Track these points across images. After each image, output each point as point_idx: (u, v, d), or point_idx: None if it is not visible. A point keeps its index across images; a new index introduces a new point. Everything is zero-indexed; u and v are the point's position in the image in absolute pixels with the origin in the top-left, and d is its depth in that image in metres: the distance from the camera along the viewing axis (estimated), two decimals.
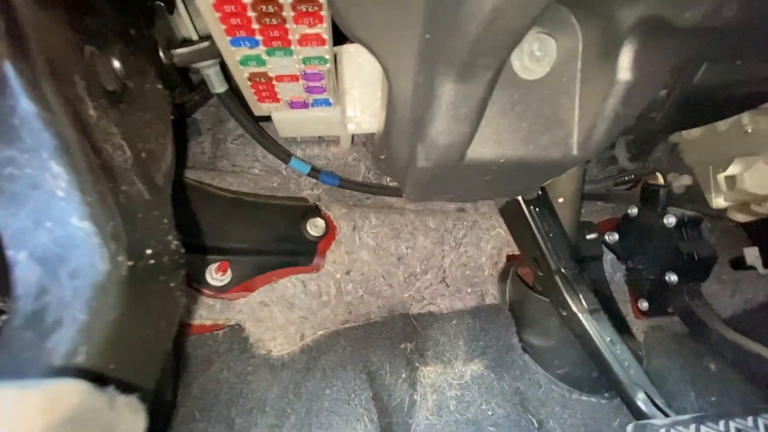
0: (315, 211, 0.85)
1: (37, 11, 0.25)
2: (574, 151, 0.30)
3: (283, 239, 0.81)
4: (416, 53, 0.24)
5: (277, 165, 0.92)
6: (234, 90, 0.67)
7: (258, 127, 0.77)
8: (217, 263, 0.74)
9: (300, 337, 0.78)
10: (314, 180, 0.87)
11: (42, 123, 0.20)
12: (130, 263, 0.21)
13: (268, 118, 0.65)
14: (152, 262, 0.23)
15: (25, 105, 0.20)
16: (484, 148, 0.29)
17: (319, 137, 0.91)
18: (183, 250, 0.29)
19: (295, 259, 0.83)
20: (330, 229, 0.84)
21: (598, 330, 0.65)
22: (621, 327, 0.98)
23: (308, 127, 0.64)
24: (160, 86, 0.41)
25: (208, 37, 0.60)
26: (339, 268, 0.85)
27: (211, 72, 0.66)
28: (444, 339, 0.88)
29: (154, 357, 0.26)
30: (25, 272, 0.19)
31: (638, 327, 1.01)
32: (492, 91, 0.25)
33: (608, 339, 0.66)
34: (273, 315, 0.77)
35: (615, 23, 0.24)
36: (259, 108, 0.59)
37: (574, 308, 0.66)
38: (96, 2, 0.36)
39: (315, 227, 0.84)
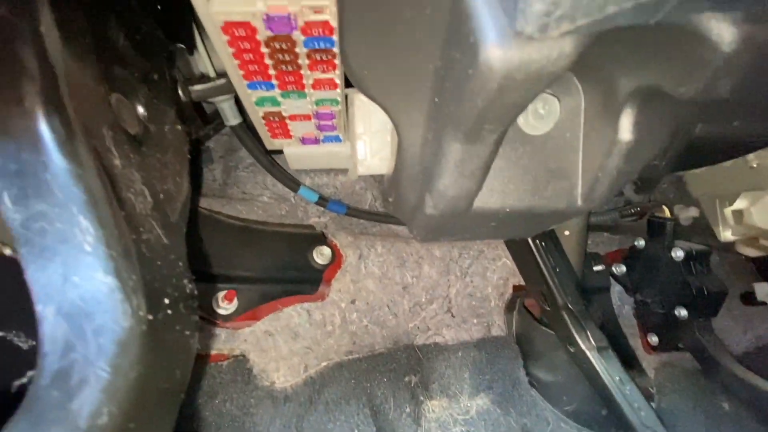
0: (321, 239, 0.86)
1: (70, 62, 0.26)
2: (579, 202, 0.31)
3: (290, 267, 0.81)
4: (425, 113, 0.25)
5: (285, 193, 0.94)
6: (246, 121, 0.70)
7: (269, 157, 0.79)
8: (224, 291, 0.74)
9: (303, 368, 0.77)
10: (321, 208, 0.89)
11: (73, 178, 0.21)
12: (150, 317, 0.22)
13: (279, 152, 0.67)
14: (169, 312, 0.24)
15: (58, 161, 0.21)
16: (490, 198, 0.30)
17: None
18: (196, 293, 0.29)
19: (301, 287, 0.83)
20: (336, 258, 0.84)
21: (606, 368, 0.64)
22: (631, 362, 0.96)
23: (318, 160, 0.66)
24: (179, 127, 0.43)
25: (224, 74, 0.62)
26: (344, 297, 0.85)
27: (225, 106, 0.68)
28: (449, 372, 0.87)
29: (170, 410, 0.26)
30: (52, 328, 0.20)
31: (649, 362, 0.98)
32: (498, 150, 0.26)
33: (617, 378, 0.64)
34: (277, 345, 0.77)
35: (615, 88, 0.26)
36: (272, 143, 0.61)
37: (582, 345, 0.66)
38: (124, 50, 0.38)
39: (321, 255, 0.85)
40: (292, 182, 0.85)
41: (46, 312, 0.20)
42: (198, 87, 0.62)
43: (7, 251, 0.27)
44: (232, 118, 0.70)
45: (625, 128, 0.26)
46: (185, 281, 0.28)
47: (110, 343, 0.20)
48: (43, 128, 0.22)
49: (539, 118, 0.29)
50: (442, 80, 0.22)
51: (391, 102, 0.28)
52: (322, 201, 0.87)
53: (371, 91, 0.29)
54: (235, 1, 0.34)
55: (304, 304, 0.81)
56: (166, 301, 0.24)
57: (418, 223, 0.34)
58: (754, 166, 0.91)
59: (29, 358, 0.38)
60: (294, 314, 0.80)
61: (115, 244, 0.21)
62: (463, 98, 0.20)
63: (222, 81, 0.63)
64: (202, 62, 0.62)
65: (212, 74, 0.64)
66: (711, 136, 0.33)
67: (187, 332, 0.26)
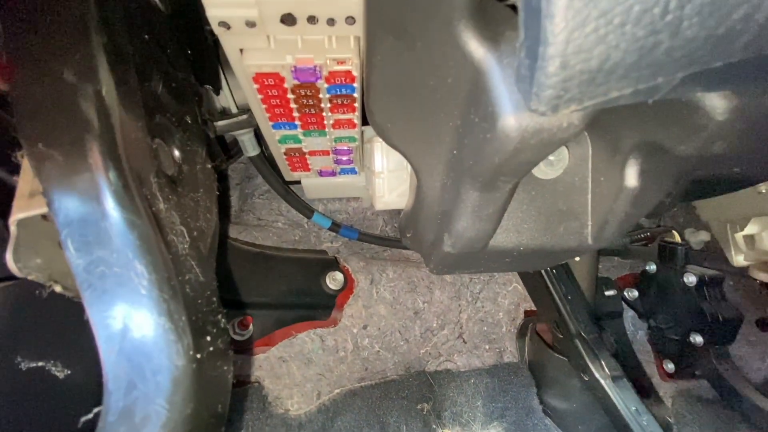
0: (334, 265, 0.88)
1: (125, 118, 0.29)
2: (589, 241, 0.32)
3: (303, 293, 0.83)
4: (444, 162, 0.27)
5: (299, 219, 0.96)
6: (263, 151, 0.73)
7: (285, 186, 0.82)
8: (240, 318, 0.76)
9: (317, 395, 0.78)
10: (334, 233, 0.91)
11: (128, 226, 0.23)
12: (198, 356, 0.24)
13: (295, 182, 0.70)
14: (211, 349, 0.26)
15: (116, 211, 0.24)
16: (505, 238, 0.32)
17: None
18: (228, 327, 0.31)
19: (314, 312, 0.84)
20: (348, 283, 0.86)
21: (622, 398, 0.63)
22: (647, 390, 0.94)
23: (334, 190, 0.69)
24: (209, 165, 0.46)
25: (245, 110, 0.66)
26: (356, 323, 0.86)
27: (245, 138, 0.72)
28: (462, 399, 0.86)
29: None
30: (115, 368, 0.22)
31: (665, 390, 0.96)
32: (512, 196, 0.28)
33: (633, 408, 0.64)
34: (291, 371, 0.77)
35: (620, 141, 0.28)
36: (291, 175, 0.64)
37: (596, 374, 0.65)
38: (163, 98, 0.41)
39: (334, 281, 0.86)
40: (306, 209, 0.88)
41: (109, 352, 0.22)
42: (222, 123, 0.66)
43: (58, 288, 0.29)
44: (252, 150, 0.74)
45: (631, 176, 0.27)
46: (219, 316, 0.30)
47: (167, 381, 0.22)
48: (103, 181, 0.25)
49: (550, 164, 0.31)
50: (461, 137, 0.24)
51: (412, 151, 0.30)
52: (335, 227, 0.89)
53: (393, 141, 0.31)
54: (266, 55, 0.37)
55: (317, 329, 0.82)
56: (208, 338, 0.26)
57: (435, 258, 0.35)
58: (763, 191, 0.91)
59: (64, 387, 0.40)
60: (307, 340, 0.81)
61: (166, 287, 0.23)
62: (481, 155, 0.22)
63: (244, 116, 0.66)
64: (224, 99, 0.66)
65: (234, 110, 0.67)
66: (715, 174, 0.34)
67: (225, 367, 0.28)
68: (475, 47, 0.20)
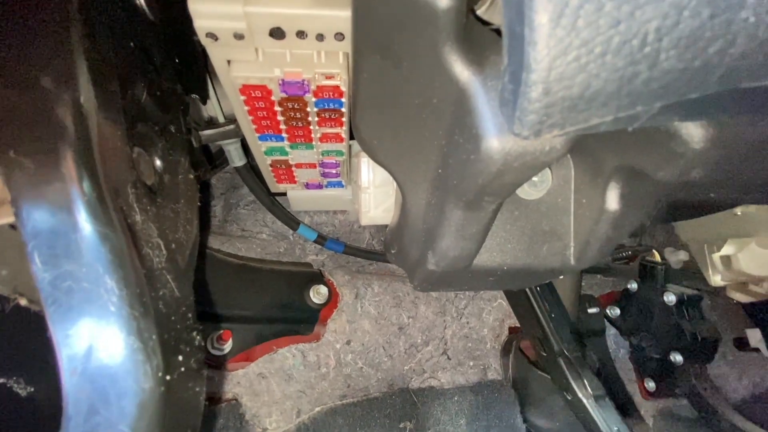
0: (318, 278, 0.86)
1: (103, 126, 0.28)
2: (572, 262, 0.33)
3: (286, 306, 0.81)
4: (429, 180, 0.27)
5: (284, 230, 0.95)
6: (249, 162, 0.72)
7: (271, 197, 0.81)
8: (219, 332, 0.74)
9: (296, 413, 0.76)
10: (320, 246, 0.90)
11: (101, 239, 0.22)
12: (168, 377, 0.22)
13: (281, 193, 0.69)
14: (183, 369, 0.24)
15: (88, 223, 0.23)
16: (489, 257, 0.32)
17: None
18: (203, 344, 0.30)
19: (297, 327, 0.83)
20: (332, 297, 0.84)
21: (604, 418, 0.63)
22: (628, 409, 0.95)
23: (320, 203, 0.68)
24: (191, 176, 0.45)
25: (232, 120, 0.65)
26: (339, 338, 0.84)
27: (232, 148, 0.71)
28: (445, 418, 0.85)
29: None
30: (76, 390, 0.20)
31: (647, 409, 0.97)
32: (496, 215, 0.28)
33: (615, 429, 0.64)
34: (270, 388, 0.75)
35: (601, 164, 0.28)
36: (276, 187, 0.63)
37: (579, 393, 0.65)
38: (146, 106, 0.41)
39: (318, 294, 0.85)
40: (292, 221, 0.87)
41: (70, 374, 0.20)
42: (207, 132, 0.65)
43: (23, 302, 0.27)
44: (238, 160, 0.73)
45: (612, 199, 0.28)
46: (194, 333, 0.29)
47: (132, 406, 0.20)
48: (76, 191, 0.24)
49: (533, 185, 0.32)
50: (446, 157, 0.24)
51: (398, 168, 0.30)
52: (321, 239, 0.88)
53: (379, 158, 0.31)
54: (254, 67, 0.37)
55: (299, 344, 0.81)
56: (180, 358, 0.25)
57: (419, 275, 0.35)
58: (738, 213, 0.94)
59: (27, 405, 0.38)
60: (288, 355, 0.79)
61: (137, 304, 0.22)
62: (465, 175, 0.22)
63: (230, 127, 0.65)
64: (211, 108, 0.65)
65: (221, 119, 0.66)
66: (692, 198, 0.35)
67: (197, 389, 0.26)
68: (460, 70, 0.20)
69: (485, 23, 0.23)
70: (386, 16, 0.22)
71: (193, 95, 0.58)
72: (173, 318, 0.25)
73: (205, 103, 0.60)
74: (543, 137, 0.17)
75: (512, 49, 0.15)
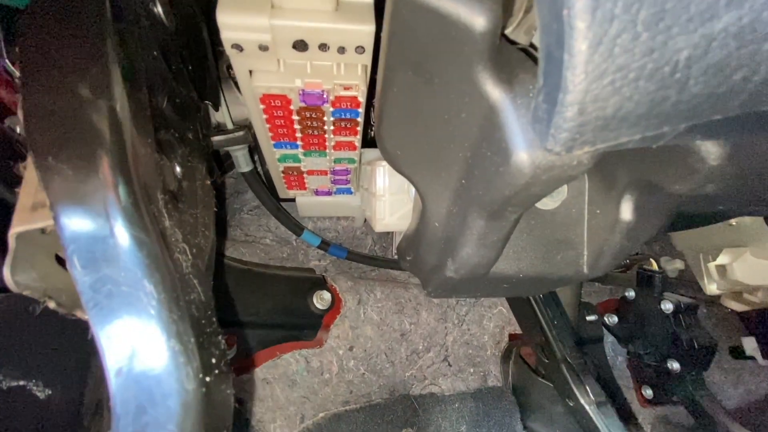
0: (321, 284, 0.87)
1: (135, 135, 0.29)
2: (585, 270, 0.34)
3: (290, 312, 0.81)
4: (451, 190, 0.29)
5: (287, 236, 0.95)
6: (255, 167, 0.73)
7: (275, 203, 0.82)
8: (224, 337, 0.74)
9: (300, 419, 0.76)
10: (323, 251, 0.90)
11: (138, 244, 0.23)
12: (207, 378, 0.23)
13: (290, 200, 0.70)
14: (217, 371, 0.25)
15: (125, 228, 0.23)
16: (506, 265, 0.33)
17: None
18: (227, 349, 0.30)
19: (300, 333, 0.83)
20: (335, 303, 0.85)
21: (606, 425, 0.64)
22: (627, 417, 0.96)
23: (328, 209, 0.69)
24: (208, 182, 0.45)
25: (242, 126, 0.66)
26: (342, 344, 0.84)
27: (239, 154, 0.72)
28: (446, 424, 0.85)
29: None
30: (123, 391, 0.21)
31: (644, 417, 0.98)
32: (516, 225, 0.29)
33: None
34: (274, 394, 0.75)
35: (616, 177, 0.30)
36: (286, 193, 0.64)
37: (581, 400, 0.66)
38: (167, 114, 0.41)
39: (321, 300, 0.85)
40: (296, 226, 0.87)
41: (116, 374, 0.21)
42: (218, 138, 0.66)
43: (52, 304, 0.28)
44: (245, 165, 0.73)
45: (627, 210, 0.29)
46: (220, 337, 0.29)
47: (177, 405, 0.21)
48: (113, 198, 0.24)
49: (550, 196, 0.33)
50: (471, 168, 0.25)
51: (420, 178, 0.31)
52: (324, 245, 0.88)
53: (402, 168, 0.32)
54: (275, 77, 0.38)
55: (302, 350, 0.81)
56: (213, 360, 0.25)
57: (435, 281, 0.36)
58: (733, 224, 0.96)
59: (45, 408, 0.38)
60: (292, 361, 0.79)
61: (175, 308, 0.22)
62: (491, 187, 0.23)
63: (240, 133, 0.66)
64: (220, 114, 0.66)
65: (229, 125, 0.67)
66: (696, 210, 0.36)
67: (228, 391, 0.27)
68: (491, 88, 0.21)
69: (511, 41, 0.24)
70: (422, 35, 0.23)
71: (206, 102, 0.59)
72: (203, 321, 0.26)
73: (217, 109, 0.61)
74: (573, 153, 0.18)
75: (549, 72, 0.16)
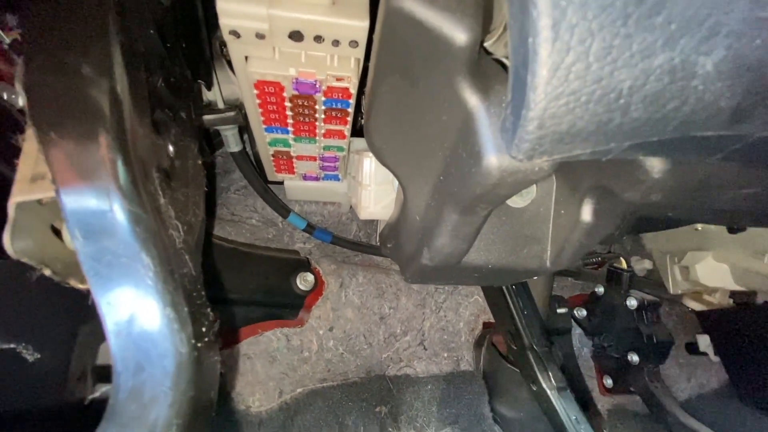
0: (305, 265, 0.89)
1: (133, 113, 0.30)
2: (548, 264, 0.37)
3: (273, 292, 0.83)
4: (430, 185, 0.31)
5: (273, 217, 0.97)
6: (245, 148, 0.74)
7: (263, 184, 0.83)
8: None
9: (279, 394, 0.79)
10: (308, 234, 0.92)
11: (136, 219, 0.25)
12: (199, 344, 0.25)
13: (278, 182, 0.71)
14: (206, 339, 0.27)
15: (122, 204, 0.25)
16: (477, 256, 0.36)
17: None
18: (216, 320, 0.33)
19: (282, 312, 0.85)
20: (318, 285, 0.87)
21: (564, 408, 0.69)
22: (587, 403, 1.02)
23: (314, 194, 0.70)
24: (199, 161, 0.47)
25: (234, 106, 0.67)
26: (323, 324, 0.87)
27: (229, 134, 0.72)
28: (418, 404, 0.90)
29: (206, 427, 0.29)
30: (123, 350, 0.23)
31: (603, 404, 1.05)
32: (486, 220, 0.32)
33: (573, 417, 0.70)
34: (254, 369, 0.78)
35: (579, 182, 0.33)
36: (275, 176, 0.65)
37: (544, 384, 0.71)
38: (162, 93, 0.42)
39: (305, 282, 0.87)
40: (282, 208, 0.89)
41: (116, 336, 0.23)
42: (209, 117, 0.66)
43: (47, 272, 0.29)
44: (234, 145, 0.74)
45: (587, 212, 0.32)
46: (209, 309, 0.31)
47: (172, 366, 0.23)
48: (112, 174, 0.26)
49: (520, 195, 0.36)
50: (448, 167, 0.27)
51: (402, 172, 0.33)
52: (309, 228, 0.90)
53: (387, 161, 0.34)
54: (270, 65, 0.40)
55: (283, 328, 0.83)
56: (203, 329, 0.27)
57: (412, 268, 0.39)
58: (698, 229, 1.02)
59: (32, 370, 0.39)
60: (273, 338, 0.82)
61: (170, 279, 0.24)
62: (465, 185, 0.26)
63: (231, 113, 0.67)
64: (212, 93, 0.66)
65: (220, 104, 0.67)
66: (654, 215, 0.40)
67: (216, 358, 0.29)
68: (469, 96, 0.24)
69: (488, 52, 0.27)
70: (410, 43, 0.25)
71: (199, 81, 0.59)
72: (194, 294, 0.28)
73: (209, 89, 0.62)
74: (534, 161, 0.20)
75: (516, 89, 0.19)
